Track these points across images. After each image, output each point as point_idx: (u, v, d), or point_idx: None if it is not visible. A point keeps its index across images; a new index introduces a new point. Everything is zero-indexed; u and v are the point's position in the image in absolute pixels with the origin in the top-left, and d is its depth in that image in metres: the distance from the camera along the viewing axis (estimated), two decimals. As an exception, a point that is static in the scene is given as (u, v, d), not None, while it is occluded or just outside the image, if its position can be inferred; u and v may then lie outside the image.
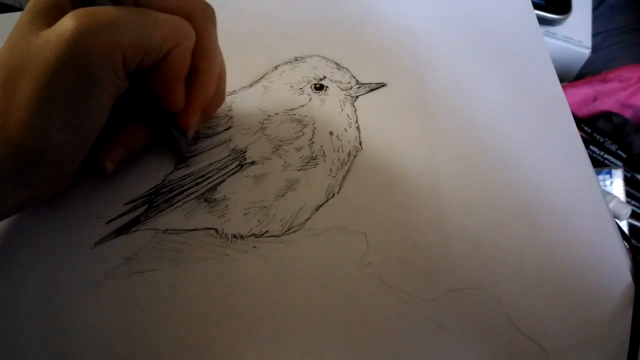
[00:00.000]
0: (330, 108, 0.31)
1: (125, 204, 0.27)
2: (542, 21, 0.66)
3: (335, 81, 0.32)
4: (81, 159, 0.24)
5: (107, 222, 0.26)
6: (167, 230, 0.26)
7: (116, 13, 0.21)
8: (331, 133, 0.29)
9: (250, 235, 0.26)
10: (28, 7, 0.22)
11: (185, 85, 0.25)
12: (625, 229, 0.52)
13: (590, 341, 0.23)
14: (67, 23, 0.20)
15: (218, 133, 0.29)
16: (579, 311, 0.24)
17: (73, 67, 0.20)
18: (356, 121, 0.30)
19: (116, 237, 0.26)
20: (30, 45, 0.21)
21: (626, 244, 0.26)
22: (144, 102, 0.26)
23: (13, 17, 0.37)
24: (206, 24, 0.25)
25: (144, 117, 0.27)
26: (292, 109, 0.30)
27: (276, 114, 0.30)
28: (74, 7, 0.22)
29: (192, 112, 0.26)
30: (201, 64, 0.26)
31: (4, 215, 0.24)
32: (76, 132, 0.22)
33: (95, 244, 0.25)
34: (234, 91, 0.31)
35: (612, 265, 0.25)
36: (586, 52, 0.67)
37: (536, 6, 0.65)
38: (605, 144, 0.60)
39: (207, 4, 0.25)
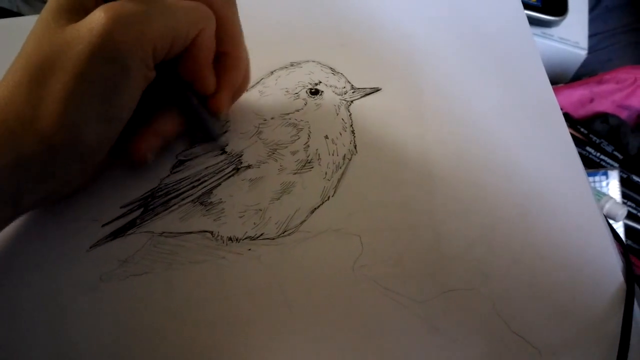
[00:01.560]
0: (325, 112, 0.31)
1: (121, 207, 0.27)
2: (539, 23, 0.67)
3: (331, 86, 0.32)
4: (106, 151, 0.24)
5: (103, 225, 0.26)
6: (162, 233, 0.26)
7: (142, 5, 0.22)
8: (326, 137, 0.30)
9: (246, 238, 0.26)
10: (50, 5, 0.23)
11: (215, 69, 0.26)
12: (622, 230, 0.53)
13: (582, 340, 0.23)
14: (98, 16, 0.21)
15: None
16: (571, 311, 0.24)
17: (106, 59, 0.21)
18: (351, 125, 0.30)
19: (112, 240, 0.26)
20: (59, 40, 0.21)
21: (618, 243, 0.26)
22: (175, 89, 0.26)
23: (13, 23, 0.37)
24: (227, 7, 0.25)
25: (174, 105, 0.27)
26: (288, 114, 0.31)
27: (272, 118, 0.30)
28: (97, 4, 0.22)
29: (224, 95, 0.27)
30: (228, 47, 0.26)
31: (29, 208, 0.24)
32: (107, 124, 0.23)
33: (91, 247, 0.26)
34: (230, 95, 0.32)
35: (604, 265, 0.25)
36: (582, 53, 0.67)
37: (532, 8, 0.66)
38: (602, 145, 0.61)
39: None
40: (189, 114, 0.27)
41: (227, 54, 0.27)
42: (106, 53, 0.21)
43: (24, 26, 0.36)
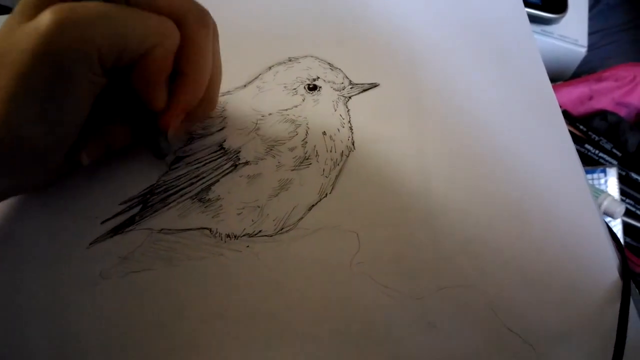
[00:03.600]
0: (323, 108, 0.31)
1: (120, 204, 0.27)
2: (538, 20, 0.66)
3: (329, 81, 0.32)
4: (62, 152, 0.24)
5: (103, 222, 0.26)
6: (161, 230, 0.26)
7: (95, 9, 0.21)
8: (324, 133, 0.30)
9: (244, 235, 0.26)
10: (19, 3, 0.22)
11: (172, 87, 0.25)
12: (620, 227, 0.53)
13: (578, 337, 0.23)
14: (45, 17, 0.20)
15: (212, 133, 0.30)
16: (566, 308, 0.24)
17: (46, 61, 0.21)
18: (349, 121, 0.30)
19: (111, 236, 0.26)
20: (10, 38, 0.21)
21: (613, 241, 0.27)
22: (126, 99, 0.25)
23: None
24: (197, 29, 0.25)
25: (127, 115, 0.27)
26: (286, 110, 0.31)
27: (270, 114, 0.30)
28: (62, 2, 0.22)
29: (172, 113, 0.26)
30: (187, 68, 0.25)
31: None
32: (51, 125, 0.23)
33: (91, 244, 0.26)
34: (228, 92, 0.32)
35: (600, 262, 0.25)
36: (582, 50, 0.67)
37: (532, 5, 0.66)
38: (601, 143, 0.61)
39: (203, 10, 0.25)
40: (138, 127, 0.27)
41: (185, 74, 0.26)
42: (46, 54, 0.20)
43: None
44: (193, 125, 0.30)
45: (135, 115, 0.26)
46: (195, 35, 0.25)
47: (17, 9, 0.22)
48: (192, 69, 0.26)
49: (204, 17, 0.25)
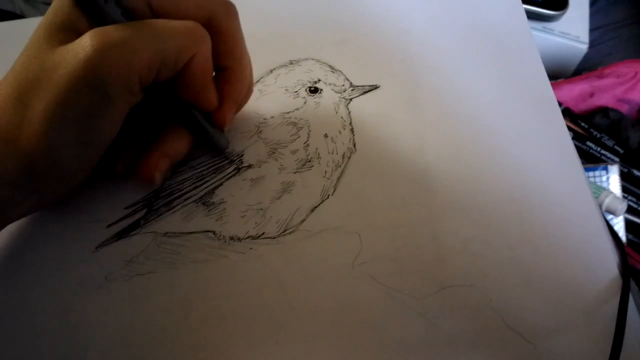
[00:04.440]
0: (324, 111, 0.31)
1: (125, 208, 0.27)
2: (539, 17, 0.67)
3: (330, 84, 0.32)
4: (88, 172, 0.25)
5: (108, 226, 0.27)
6: (166, 233, 0.27)
7: (130, 32, 0.21)
8: (326, 135, 0.30)
9: (247, 237, 0.27)
10: (44, 22, 0.23)
11: (217, 82, 0.26)
12: (622, 224, 0.53)
13: (578, 335, 0.23)
14: (85, 42, 0.21)
15: (215, 137, 0.30)
16: (566, 306, 0.24)
17: (87, 87, 0.21)
18: (350, 123, 0.31)
19: (117, 240, 0.26)
20: (47, 61, 0.21)
21: (613, 238, 0.27)
22: (177, 108, 0.26)
23: (15, 25, 0.38)
24: (230, 22, 0.25)
25: (179, 122, 0.27)
26: (288, 112, 0.31)
27: (272, 117, 0.31)
28: (90, 26, 0.22)
29: (227, 110, 0.27)
30: (229, 62, 0.26)
31: (10, 220, 0.25)
32: (86, 148, 0.23)
33: (97, 248, 0.26)
34: (231, 96, 0.32)
35: (600, 260, 0.26)
36: (583, 47, 0.67)
37: (533, 2, 0.66)
38: (602, 140, 0.61)
39: (227, 1, 0.25)
40: (194, 131, 0.27)
41: (229, 68, 0.26)
42: (88, 81, 0.21)
43: (27, 29, 0.36)
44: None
45: (186, 121, 0.27)
46: (228, 27, 0.25)
47: (41, 31, 0.22)
48: (235, 61, 0.26)
49: (230, 8, 0.25)
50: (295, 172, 0.29)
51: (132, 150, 0.27)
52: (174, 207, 0.27)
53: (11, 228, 0.27)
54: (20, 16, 0.61)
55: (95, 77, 0.21)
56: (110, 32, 0.21)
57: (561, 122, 0.31)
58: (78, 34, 0.22)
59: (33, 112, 0.21)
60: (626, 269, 0.25)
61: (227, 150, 0.29)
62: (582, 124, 0.62)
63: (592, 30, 0.70)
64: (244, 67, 0.27)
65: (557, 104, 0.32)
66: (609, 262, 0.26)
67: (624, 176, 0.56)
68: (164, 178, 0.27)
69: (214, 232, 0.27)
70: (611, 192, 0.49)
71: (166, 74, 0.23)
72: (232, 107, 0.27)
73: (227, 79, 0.27)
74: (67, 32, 0.22)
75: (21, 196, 0.23)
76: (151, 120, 0.27)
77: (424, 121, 0.31)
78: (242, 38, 0.27)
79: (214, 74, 0.27)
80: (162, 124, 0.27)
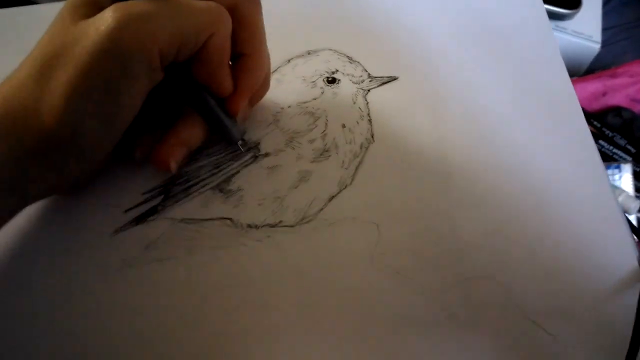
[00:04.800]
0: (342, 101, 0.31)
1: (143, 194, 0.27)
2: (552, 16, 0.66)
3: (348, 74, 0.32)
4: (109, 149, 0.25)
5: (126, 211, 0.27)
6: (183, 219, 0.27)
7: (152, 6, 0.22)
8: (343, 126, 0.30)
9: (265, 225, 0.27)
10: (69, 0, 0.23)
11: (233, 70, 0.26)
12: (635, 223, 0.52)
13: (597, 328, 0.23)
14: (107, 15, 0.21)
15: (232, 125, 0.30)
16: (586, 299, 0.24)
17: (109, 59, 0.21)
18: (368, 114, 0.31)
19: (134, 225, 0.26)
20: (69, 35, 0.22)
21: (634, 236, 0.27)
22: (190, 92, 0.26)
23: (28, 11, 0.38)
24: (252, 9, 0.25)
25: (192, 107, 0.27)
26: (305, 102, 0.31)
27: (289, 106, 0.31)
28: (113, 1, 0.22)
29: (240, 97, 0.26)
30: (248, 49, 0.26)
31: (30, 200, 0.25)
32: (107, 121, 0.23)
33: (115, 232, 0.26)
34: (248, 84, 0.32)
35: (620, 256, 0.25)
36: (596, 46, 0.66)
37: (546, 1, 0.65)
38: (615, 139, 0.60)
39: None
40: (206, 117, 0.27)
41: (246, 55, 0.26)
42: (110, 53, 0.21)
43: (40, 14, 0.36)
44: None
45: (199, 107, 0.26)
46: (249, 14, 0.25)
47: (66, 8, 0.23)
48: (253, 48, 0.26)
49: None
50: (312, 162, 0.29)
51: (150, 137, 0.27)
52: (191, 194, 0.27)
53: (30, 212, 0.26)
54: (34, 2, 0.61)
55: (116, 49, 0.21)
56: (133, 5, 0.21)
57: (581, 118, 0.31)
58: (100, 8, 0.22)
59: (55, 85, 0.21)
60: (647, 264, 0.25)
61: (240, 142, 0.28)
62: (595, 123, 0.62)
63: (604, 29, 0.69)
64: (261, 57, 0.27)
65: (577, 100, 0.32)
66: (629, 256, 0.25)
67: (636, 175, 0.55)
68: (178, 166, 0.27)
69: (231, 219, 0.27)
70: (624, 191, 0.49)
71: (186, 53, 0.23)
72: (245, 95, 0.27)
73: (244, 66, 0.26)
74: (90, 7, 0.22)
75: (40, 172, 0.23)
76: (169, 107, 0.27)
77: (443, 114, 0.31)
78: (262, 28, 0.27)
79: (230, 61, 0.26)
80: (179, 112, 0.27)
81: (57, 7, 0.34)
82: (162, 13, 0.22)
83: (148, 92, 0.24)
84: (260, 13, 0.26)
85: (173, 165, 0.26)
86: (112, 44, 0.21)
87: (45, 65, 0.22)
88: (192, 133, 0.27)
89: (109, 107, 0.22)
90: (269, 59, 0.28)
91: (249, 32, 0.26)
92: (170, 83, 0.25)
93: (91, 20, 0.22)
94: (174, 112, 0.27)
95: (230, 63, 0.26)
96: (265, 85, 0.29)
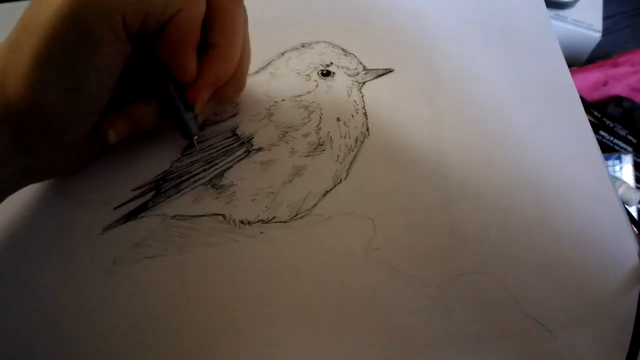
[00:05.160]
0: (337, 94, 0.30)
1: (133, 190, 0.27)
2: (553, 4, 0.65)
3: (342, 67, 0.32)
4: (84, 129, 0.24)
5: (115, 208, 0.26)
6: (175, 216, 0.26)
7: None
8: (338, 119, 0.29)
9: (258, 221, 0.26)
10: None
11: (201, 59, 0.25)
12: (635, 214, 0.52)
13: (597, 323, 0.23)
14: None
15: (225, 120, 0.29)
16: (586, 294, 0.24)
17: (71, 25, 0.20)
18: (363, 107, 0.30)
19: (124, 223, 0.26)
20: (37, 7, 0.21)
21: (634, 228, 0.26)
22: (152, 72, 0.25)
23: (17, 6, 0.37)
24: (230, 1, 0.24)
25: (152, 92, 0.26)
26: (299, 96, 0.30)
27: (283, 100, 0.30)
28: None
29: (201, 86, 0.25)
30: (218, 39, 0.25)
31: (7, 188, 0.24)
32: (75, 95, 0.22)
33: (104, 230, 0.26)
34: (241, 77, 0.31)
35: (620, 249, 0.25)
36: (597, 35, 0.66)
37: (546, -11, 0.64)
38: (615, 129, 0.60)
39: None
40: (162, 101, 0.25)
41: (217, 46, 0.25)
42: (71, 19, 0.20)
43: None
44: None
45: (161, 92, 0.25)
46: (226, 5, 0.24)
47: None
48: (224, 40, 0.25)
49: None
50: (306, 156, 0.28)
51: (125, 117, 0.25)
52: (182, 190, 0.27)
53: (16, 208, 0.26)
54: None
55: (77, 16, 0.20)
56: None
57: (580, 110, 0.30)
58: None
59: (20, 57, 0.21)
60: (647, 257, 0.25)
61: (195, 138, 0.26)
62: (595, 113, 0.61)
63: (605, 18, 0.68)
64: (231, 50, 0.26)
65: (576, 91, 0.31)
66: (629, 250, 0.25)
67: (637, 166, 0.55)
68: (118, 139, 0.25)
69: (223, 216, 0.26)
70: (625, 182, 0.48)
71: (152, 25, 0.22)
72: (206, 84, 0.25)
73: (212, 56, 0.25)
74: None
75: (11, 154, 0.22)
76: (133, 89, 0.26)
77: (439, 106, 0.30)
78: (240, 22, 0.25)
79: (197, 46, 0.25)
80: (137, 93, 0.26)
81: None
82: None
83: (119, 69, 0.23)
84: (240, 7, 0.25)
85: (112, 135, 0.25)
86: (72, 9, 0.20)
87: (14, 39, 0.21)
88: (144, 111, 0.26)
89: (75, 78, 0.22)
90: (247, 57, 0.27)
91: (222, 22, 0.25)
92: (136, 61, 0.24)
93: None
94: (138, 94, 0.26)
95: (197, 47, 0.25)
96: (237, 85, 0.28)
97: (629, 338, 0.22)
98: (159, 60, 0.24)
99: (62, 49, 0.21)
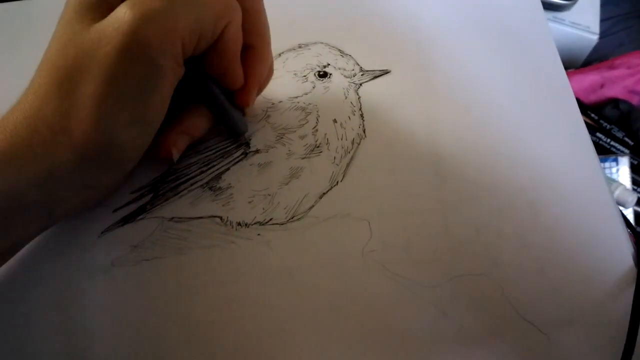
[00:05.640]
0: (334, 95, 0.31)
1: (131, 193, 0.27)
2: (550, 7, 0.66)
3: (339, 68, 0.32)
4: (140, 156, 0.24)
5: (114, 211, 0.26)
6: (172, 218, 0.26)
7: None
8: (335, 121, 0.29)
9: (255, 223, 0.26)
10: (71, 3, 0.21)
11: (242, 62, 0.25)
12: (631, 216, 0.52)
13: (591, 326, 0.23)
14: (124, 13, 0.20)
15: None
16: (580, 296, 0.24)
17: (136, 58, 0.20)
18: (360, 109, 0.30)
19: (123, 225, 0.26)
20: (84, 41, 0.20)
21: (629, 230, 0.26)
22: (202, 85, 0.25)
23: (18, 7, 0.37)
24: (255, 1, 0.25)
25: (201, 101, 0.26)
26: (296, 97, 0.30)
27: (280, 102, 0.30)
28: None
29: (251, 89, 0.26)
30: (254, 40, 0.25)
31: (59, 219, 0.24)
32: (141, 127, 0.22)
33: (102, 233, 0.26)
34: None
35: (614, 251, 0.25)
36: (594, 38, 0.66)
37: (543, -9, 0.65)
38: (612, 131, 0.60)
39: None
40: (215, 110, 0.26)
41: (253, 47, 0.26)
42: (136, 52, 0.20)
43: (31, 10, 0.36)
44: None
45: (209, 99, 0.26)
46: (253, 5, 0.24)
47: (70, 13, 0.21)
48: (259, 39, 0.26)
49: None
50: (303, 158, 0.28)
51: (183, 133, 0.26)
52: (180, 192, 0.27)
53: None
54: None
55: (142, 47, 0.20)
56: (148, 0, 0.20)
57: (576, 111, 0.30)
58: (110, 8, 0.21)
59: (81, 97, 0.20)
60: (641, 259, 0.25)
61: (245, 134, 0.28)
62: (592, 115, 0.61)
63: (602, 20, 0.69)
64: (267, 46, 0.26)
65: (572, 93, 0.31)
66: (623, 252, 0.25)
67: (634, 168, 0.55)
68: (180, 154, 0.26)
69: (220, 218, 0.26)
70: (621, 184, 0.49)
71: (205, 43, 0.22)
72: (255, 87, 0.26)
73: (252, 57, 0.26)
74: (98, 10, 0.21)
75: (67, 192, 0.22)
76: (176, 101, 0.27)
77: (436, 107, 0.30)
78: (265, 16, 0.26)
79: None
80: (183, 104, 0.26)
81: (50, 1, 0.33)
82: (179, 4, 0.20)
83: (173, 90, 0.23)
84: (262, 3, 0.25)
85: (175, 154, 0.26)
86: (137, 42, 0.20)
87: (64, 77, 0.20)
88: (196, 123, 0.27)
89: (142, 110, 0.21)
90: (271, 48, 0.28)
91: (253, 21, 0.25)
92: (186, 78, 0.24)
93: (106, 21, 0.20)
94: (178, 106, 0.26)
95: None
96: (270, 74, 0.29)
97: (624, 339, 0.23)
98: (207, 73, 0.24)
99: (130, 84, 0.20)
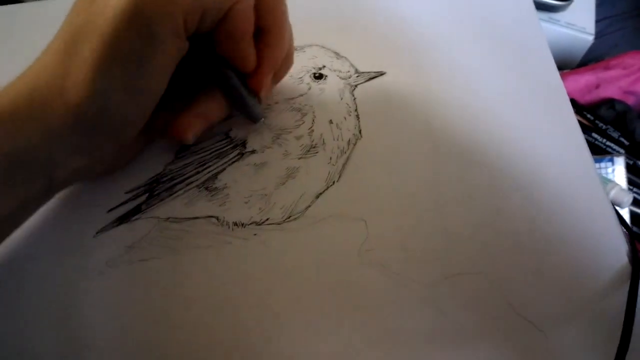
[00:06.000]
0: (329, 97, 0.31)
1: (126, 193, 0.27)
2: (545, 7, 0.66)
3: (335, 70, 0.32)
4: (139, 127, 0.24)
5: (109, 211, 0.26)
6: (168, 218, 0.26)
7: None
8: (331, 121, 0.29)
9: (251, 223, 0.26)
10: None
11: (256, 45, 0.25)
12: (627, 216, 0.52)
13: (587, 323, 0.23)
14: None
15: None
16: (576, 294, 0.24)
17: (134, 26, 0.20)
18: (355, 109, 0.30)
19: (118, 225, 0.26)
20: (92, 7, 0.21)
21: (624, 228, 0.26)
22: (213, 66, 0.25)
23: (14, 10, 0.37)
24: None
25: (214, 83, 0.26)
26: (292, 98, 0.31)
27: (276, 103, 0.30)
28: None
29: (263, 72, 0.26)
30: (268, 22, 0.25)
31: (63, 183, 0.24)
32: (135, 94, 0.22)
33: (97, 233, 0.26)
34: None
35: (609, 249, 0.25)
36: (589, 38, 0.66)
37: (539, -8, 0.65)
38: (608, 132, 0.60)
39: None
40: (228, 93, 0.26)
41: (267, 30, 0.25)
42: (134, 20, 0.20)
43: (26, 13, 0.36)
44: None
45: (222, 82, 0.26)
46: None
47: None
48: (274, 23, 0.25)
49: None
50: (299, 158, 0.28)
51: (170, 111, 0.26)
52: (176, 192, 0.27)
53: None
54: (20, 0, 0.61)
55: (141, 16, 0.20)
56: None
57: (570, 112, 0.31)
58: None
59: (79, 60, 0.21)
60: (636, 257, 0.25)
61: (262, 120, 0.28)
62: (588, 115, 0.61)
63: (598, 21, 0.69)
64: (283, 30, 0.26)
65: (565, 93, 0.31)
66: (618, 251, 0.25)
67: (629, 168, 0.55)
68: (195, 138, 0.26)
69: (217, 218, 0.26)
70: (617, 184, 0.49)
71: (209, 21, 0.23)
72: (268, 71, 0.26)
73: (266, 41, 0.26)
74: None
75: (66, 155, 0.22)
76: (190, 83, 0.27)
77: (431, 108, 0.30)
78: (284, 2, 0.26)
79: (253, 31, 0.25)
80: (199, 87, 0.26)
81: (44, 5, 0.33)
82: None
83: (175, 65, 0.23)
84: None
85: (190, 136, 0.26)
86: (136, 11, 0.20)
87: (69, 41, 0.21)
88: (213, 107, 0.27)
89: (137, 78, 0.22)
90: (291, 32, 0.27)
91: (269, 6, 0.25)
92: (193, 57, 0.24)
93: None
94: (194, 89, 0.26)
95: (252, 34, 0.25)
96: (288, 62, 0.28)
97: (619, 336, 0.23)
98: (218, 54, 0.24)
99: (126, 50, 0.21)
